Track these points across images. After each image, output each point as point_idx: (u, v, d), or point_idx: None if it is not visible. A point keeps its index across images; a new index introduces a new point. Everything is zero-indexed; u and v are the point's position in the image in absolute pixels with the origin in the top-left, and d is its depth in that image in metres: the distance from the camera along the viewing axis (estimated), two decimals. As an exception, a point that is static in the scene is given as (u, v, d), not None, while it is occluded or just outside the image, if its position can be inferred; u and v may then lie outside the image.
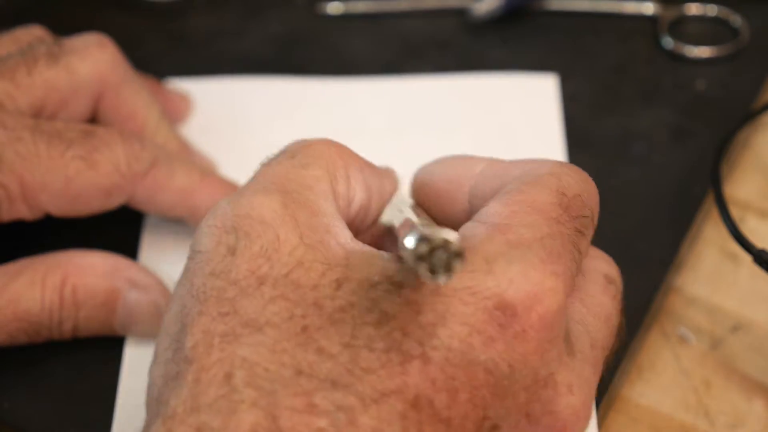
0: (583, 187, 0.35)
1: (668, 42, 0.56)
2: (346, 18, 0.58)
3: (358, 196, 0.36)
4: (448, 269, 0.28)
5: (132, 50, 0.57)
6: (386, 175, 0.39)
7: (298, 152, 0.35)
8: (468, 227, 0.34)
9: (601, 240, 0.46)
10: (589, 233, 0.35)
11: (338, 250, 0.32)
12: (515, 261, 0.31)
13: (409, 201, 0.40)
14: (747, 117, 0.50)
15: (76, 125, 0.42)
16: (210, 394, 0.29)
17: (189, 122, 0.52)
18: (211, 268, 0.32)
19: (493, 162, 0.38)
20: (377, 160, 0.50)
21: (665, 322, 0.46)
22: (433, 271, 0.28)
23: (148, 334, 0.41)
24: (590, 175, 0.49)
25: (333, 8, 0.58)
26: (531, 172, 0.35)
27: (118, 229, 0.46)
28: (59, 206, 0.41)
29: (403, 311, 0.30)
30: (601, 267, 0.37)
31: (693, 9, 0.57)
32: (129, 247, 0.45)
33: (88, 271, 0.41)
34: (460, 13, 0.58)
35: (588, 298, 0.36)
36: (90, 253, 0.42)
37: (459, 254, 0.28)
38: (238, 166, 0.50)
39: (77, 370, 0.42)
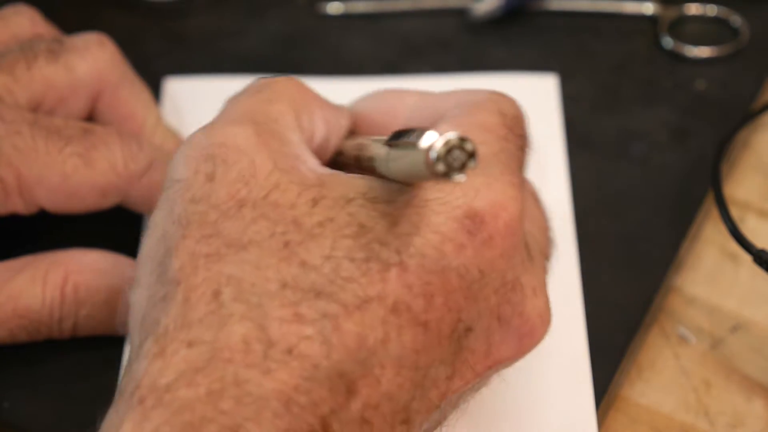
0: (517, 110, 0.38)
1: (668, 42, 0.56)
2: (346, 18, 0.58)
3: (319, 130, 0.38)
4: (463, 168, 0.29)
5: (132, 50, 0.57)
6: (342, 112, 0.41)
7: (263, 88, 0.37)
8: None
9: (602, 240, 0.47)
10: (527, 153, 0.38)
11: (310, 174, 0.33)
12: (479, 173, 0.34)
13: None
14: (747, 117, 0.50)
15: (75, 122, 0.42)
16: (200, 311, 0.30)
17: (189, 120, 0.52)
18: (191, 194, 0.33)
19: (424, 94, 0.40)
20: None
21: (665, 322, 0.46)
22: (450, 171, 0.29)
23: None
24: (590, 175, 0.49)
25: (333, 8, 0.58)
26: (469, 98, 0.38)
27: (118, 229, 0.46)
28: (54, 202, 0.42)
29: (380, 223, 0.32)
30: (526, 185, 0.39)
31: (693, 9, 0.57)
32: (130, 247, 0.45)
33: (90, 269, 0.41)
34: (460, 13, 0.58)
35: (528, 210, 0.38)
36: (92, 252, 0.42)
37: (473, 154, 0.29)
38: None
39: (77, 370, 0.42)
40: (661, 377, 0.44)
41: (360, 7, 0.58)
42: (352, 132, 0.41)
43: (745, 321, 0.46)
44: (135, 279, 0.33)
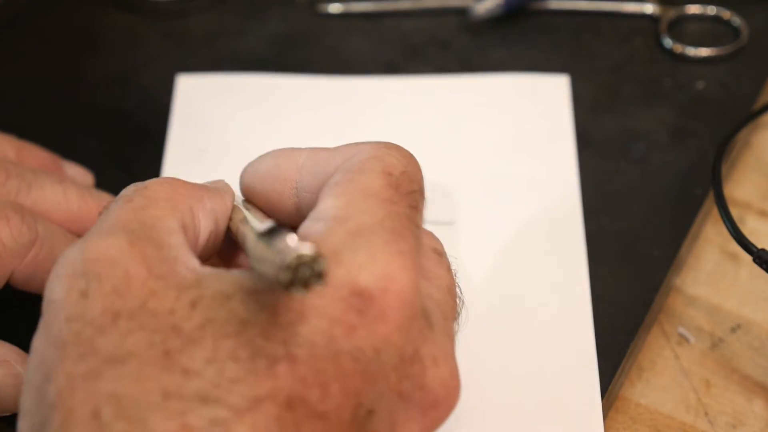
0: (406, 163, 0.36)
1: (668, 42, 0.56)
2: (346, 18, 0.58)
3: (204, 225, 0.36)
4: (307, 285, 0.28)
5: (132, 50, 0.57)
6: (223, 191, 0.39)
7: (135, 195, 0.35)
8: (307, 226, 0.34)
9: (602, 240, 0.47)
10: (421, 206, 0.36)
11: (188, 275, 0.32)
12: (360, 248, 0.32)
13: (242, 199, 0.40)
14: (747, 117, 0.50)
15: None
16: None
17: (202, 116, 0.52)
18: (66, 314, 0.31)
19: (313, 153, 0.38)
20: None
21: (665, 322, 0.46)
22: (293, 284, 0.28)
23: (16, 407, 0.39)
24: (590, 175, 0.49)
25: (333, 8, 0.58)
26: (353, 158, 0.36)
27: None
28: None
29: (261, 316, 0.31)
30: (429, 242, 0.37)
31: (693, 9, 0.57)
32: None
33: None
34: (461, 13, 0.58)
35: (428, 272, 0.36)
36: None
37: (321, 275, 0.28)
38: (238, 164, 0.50)
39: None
40: (661, 377, 0.44)
41: (360, 7, 0.58)
42: (247, 199, 0.40)
43: (745, 321, 0.46)
44: (20, 407, 0.31)
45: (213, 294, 0.31)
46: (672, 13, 0.57)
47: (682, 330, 0.45)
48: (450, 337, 0.35)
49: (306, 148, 0.39)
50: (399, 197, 0.34)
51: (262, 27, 0.58)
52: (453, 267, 0.38)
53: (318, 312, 0.31)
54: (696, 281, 0.47)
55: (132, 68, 0.56)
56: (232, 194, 0.39)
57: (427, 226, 0.47)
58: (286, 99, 0.53)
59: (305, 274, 0.28)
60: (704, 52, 0.55)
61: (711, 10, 0.57)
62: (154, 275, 0.32)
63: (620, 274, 0.45)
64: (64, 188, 0.43)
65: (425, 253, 0.36)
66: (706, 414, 0.43)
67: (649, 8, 0.57)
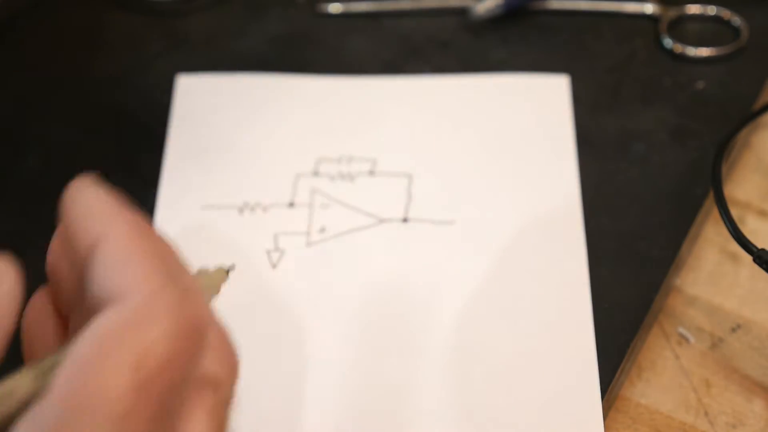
0: (176, 337, 0.25)
1: (668, 42, 0.56)
2: (346, 18, 0.58)
3: None
4: None
5: (132, 50, 0.57)
6: None
7: None
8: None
9: (602, 240, 0.47)
10: (185, 390, 0.27)
11: None
12: None
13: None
14: (747, 117, 0.50)
15: None
16: None
17: (201, 116, 0.52)
18: None
19: (113, 241, 0.28)
20: (389, 159, 0.50)
21: (665, 322, 0.46)
22: None
23: None
24: (590, 175, 0.49)
25: (333, 8, 0.58)
26: (116, 307, 0.26)
27: None
28: None
29: None
30: (220, 391, 0.28)
31: (693, 9, 0.57)
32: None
33: None
34: (461, 13, 0.58)
35: None
36: None
37: None
38: (238, 164, 0.50)
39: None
40: (661, 377, 0.44)
41: (360, 7, 0.58)
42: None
43: (745, 321, 0.46)
44: None
45: None
46: (672, 13, 0.57)
47: (682, 330, 0.45)
48: None
49: (113, 218, 0.29)
50: (148, 405, 0.25)
51: (262, 27, 0.58)
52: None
53: None
54: (696, 281, 0.47)
55: (132, 68, 0.56)
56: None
57: (428, 226, 0.47)
58: (286, 99, 0.53)
59: None
60: (704, 52, 0.55)
61: (711, 10, 0.57)
62: None
63: (620, 274, 0.45)
64: None
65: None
66: (706, 414, 0.43)
67: (649, 8, 0.57)
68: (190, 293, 0.27)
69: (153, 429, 0.25)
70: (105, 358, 0.25)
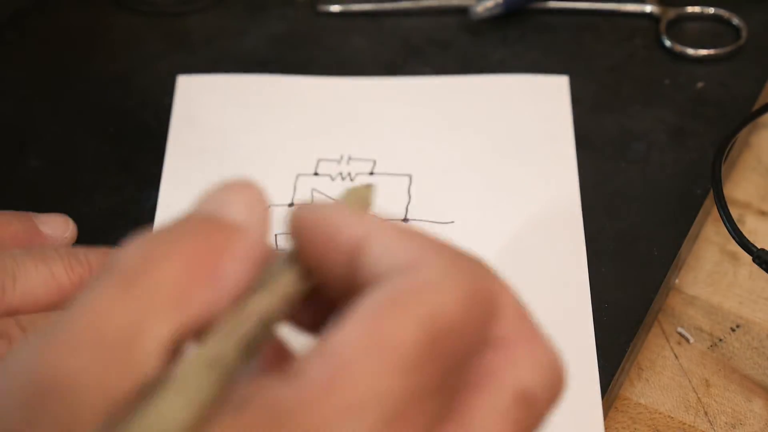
0: (464, 308, 0.26)
1: (668, 42, 0.56)
2: (346, 17, 0.58)
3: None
4: None
5: (132, 50, 0.57)
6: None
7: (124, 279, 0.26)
8: (280, 389, 0.25)
9: (602, 240, 0.47)
10: (467, 358, 0.27)
11: None
12: (339, 428, 0.24)
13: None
14: (747, 117, 0.50)
15: None
16: None
17: (201, 116, 0.52)
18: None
19: (384, 229, 0.28)
20: (389, 159, 0.50)
21: (665, 322, 0.46)
22: None
23: None
24: (590, 175, 0.49)
25: (333, 8, 0.58)
26: (406, 275, 0.26)
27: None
28: None
29: None
30: (519, 378, 0.27)
31: (693, 9, 0.57)
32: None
33: None
34: (461, 13, 0.58)
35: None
36: None
37: None
38: (238, 164, 0.50)
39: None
40: (661, 377, 0.44)
41: (360, 7, 0.58)
42: (292, 238, 0.32)
43: (745, 321, 0.46)
44: None
45: None
46: (672, 13, 0.57)
47: (681, 330, 0.45)
48: None
49: (376, 218, 0.29)
50: (431, 363, 0.25)
51: (262, 27, 0.58)
52: None
53: None
54: (696, 281, 0.47)
55: (132, 68, 0.56)
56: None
57: (428, 226, 0.47)
58: (286, 99, 0.53)
59: None
60: (704, 52, 0.55)
61: (711, 10, 0.57)
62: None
63: (620, 274, 0.45)
64: (49, 266, 0.39)
65: (491, 400, 0.27)
66: (706, 414, 0.43)
67: (648, 8, 0.57)
68: (483, 265, 0.27)
69: (433, 394, 0.25)
70: (398, 310, 0.25)
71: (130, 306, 0.25)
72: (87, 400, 0.23)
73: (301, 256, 0.28)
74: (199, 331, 0.25)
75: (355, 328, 0.25)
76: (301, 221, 0.28)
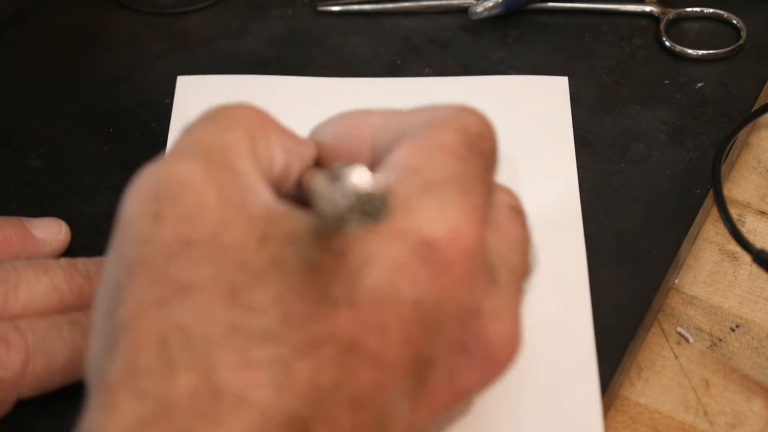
0: (483, 126, 0.36)
1: (668, 42, 0.56)
2: (346, 18, 0.58)
3: (278, 159, 0.36)
4: (377, 216, 0.28)
5: (132, 50, 0.57)
6: (306, 143, 0.38)
7: (218, 116, 0.35)
8: (380, 174, 0.34)
9: (602, 240, 0.47)
10: (494, 168, 0.36)
11: (259, 209, 0.32)
12: (431, 199, 0.32)
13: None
14: (747, 117, 0.50)
15: None
16: (147, 360, 0.29)
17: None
18: (137, 236, 0.31)
19: (388, 113, 0.38)
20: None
21: (665, 322, 0.46)
22: (358, 219, 0.28)
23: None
24: (590, 175, 0.49)
25: (333, 8, 0.58)
26: (432, 115, 0.36)
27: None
28: None
29: (328, 260, 0.31)
30: (505, 199, 0.37)
31: (693, 9, 0.57)
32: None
33: None
34: (461, 13, 0.58)
35: (499, 228, 0.36)
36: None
37: (384, 211, 0.28)
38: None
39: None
40: (660, 377, 0.44)
41: (360, 7, 0.58)
42: (317, 163, 0.39)
43: (745, 321, 0.46)
44: (92, 325, 0.32)
45: (283, 233, 0.31)
46: (672, 13, 0.57)
47: (681, 330, 0.45)
48: (516, 293, 0.35)
49: (378, 110, 0.38)
50: (473, 155, 0.34)
51: (262, 27, 0.58)
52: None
53: (384, 260, 0.31)
54: (695, 281, 0.47)
55: (132, 68, 0.56)
56: (313, 146, 0.38)
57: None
58: (286, 100, 0.53)
59: (369, 210, 0.28)
60: (704, 52, 0.55)
61: (711, 10, 0.57)
62: (226, 203, 0.31)
63: (620, 274, 0.45)
64: (50, 277, 0.42)
65: (498, 209, 0.36)
66: (706, 413, 0.43)
67: (648, 8, 0.57)
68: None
69: (480, 173, 0.34)
70: (440, 126, 0.35)
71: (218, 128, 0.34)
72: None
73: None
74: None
75: (415, 143, 0.34)
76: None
